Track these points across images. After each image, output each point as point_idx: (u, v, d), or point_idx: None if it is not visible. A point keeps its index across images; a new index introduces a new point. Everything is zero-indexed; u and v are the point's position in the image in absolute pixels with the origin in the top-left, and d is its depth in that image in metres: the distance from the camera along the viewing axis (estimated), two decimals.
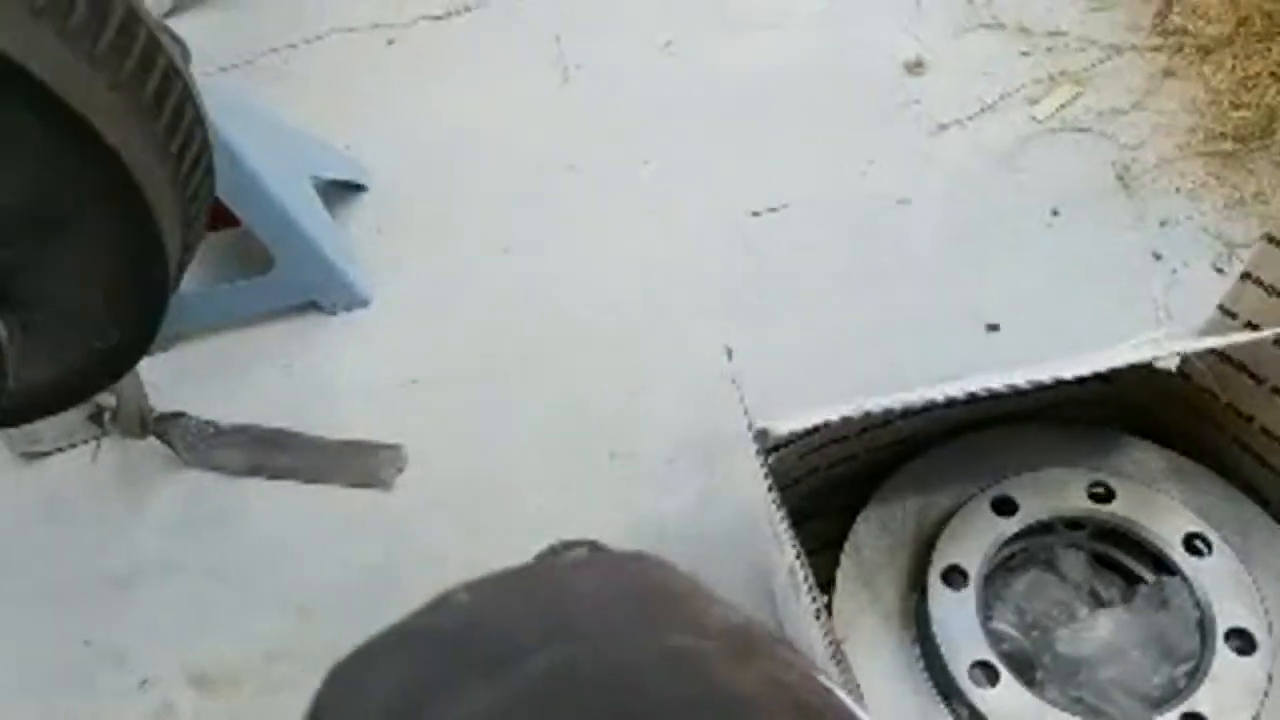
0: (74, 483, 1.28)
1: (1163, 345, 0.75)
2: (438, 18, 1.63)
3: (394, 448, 1.21)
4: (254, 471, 1.23)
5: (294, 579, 1.13)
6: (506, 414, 1.20)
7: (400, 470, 1.19)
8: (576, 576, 0.38)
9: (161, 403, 1.24)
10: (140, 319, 0.77)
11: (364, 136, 1.50)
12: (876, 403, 0.72)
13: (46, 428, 1.30)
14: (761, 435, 0.64)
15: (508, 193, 1.40)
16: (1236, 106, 1.15)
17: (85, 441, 1.31)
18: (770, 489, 0.63)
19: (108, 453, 1.29)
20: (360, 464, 1.21)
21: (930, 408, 0.77)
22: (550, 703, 0.30)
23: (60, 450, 1.30)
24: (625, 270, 1.28)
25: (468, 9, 1.63)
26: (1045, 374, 0.70)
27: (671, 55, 1.47)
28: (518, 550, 1.04)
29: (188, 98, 0.64)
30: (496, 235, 1.36)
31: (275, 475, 1.22)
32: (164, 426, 1.24)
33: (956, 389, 0.73)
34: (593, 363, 1.20)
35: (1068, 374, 0.71)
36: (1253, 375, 0.74)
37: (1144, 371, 0.81)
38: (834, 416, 0.70)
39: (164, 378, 1.27)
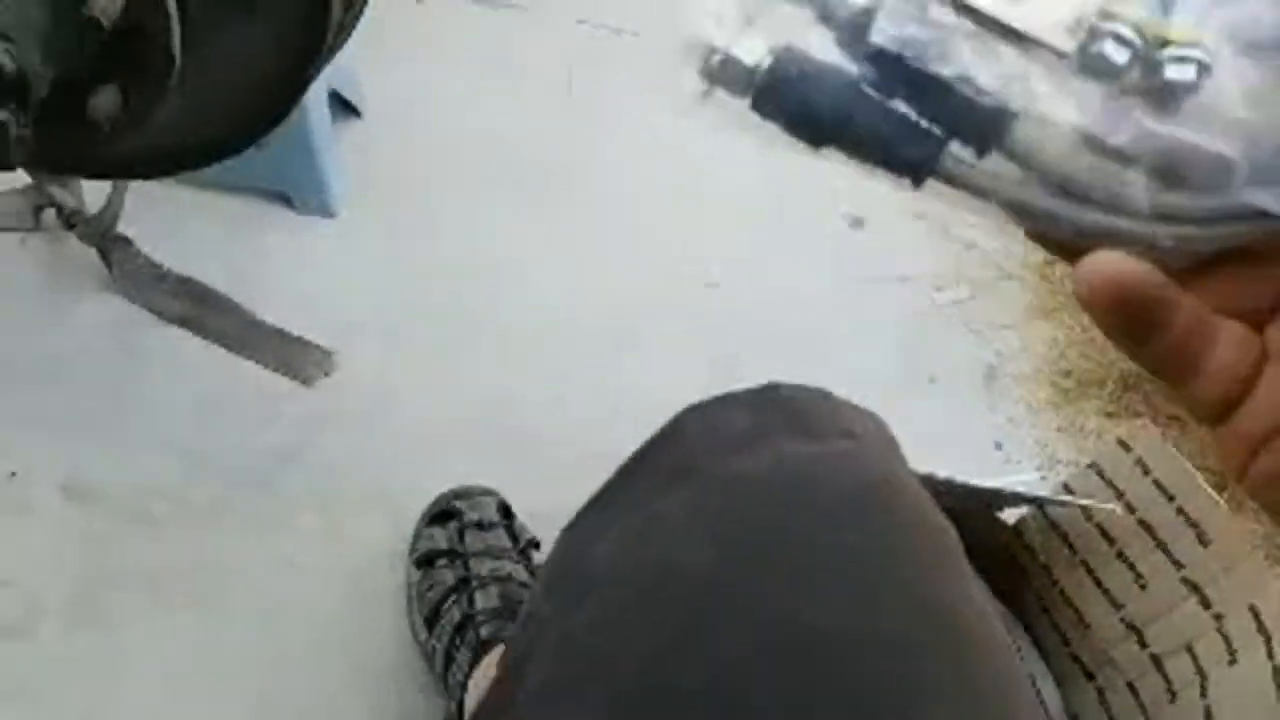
0: None
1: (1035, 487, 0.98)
2: None
3: (326, 351, 1.27)
4: (183, 323, 1.26)
5: (192, 431, 1.17)
6: (429, 366, 1.29)
7: (326, 374, 1.26)
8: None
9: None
10: (253, 127, 0.82)
11: (368, 71, 1.57)
12: None
13: None
14: None
15: (491, 171, 1.52)
16: (1084, 357, 1.45)
17: (14, 230, 1.29)
18: None
19: (34, 249, 1.28)
20: (289, 353, 1.26)
21: None
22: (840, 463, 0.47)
23: None
24: (572, 282, 1.42)
25: (497, 5, 1.77)
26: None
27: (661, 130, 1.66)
28: (416, 480, 1.14)
29: None
30: (469, 206, 1.47)
31: (202, 333, 1.25)
32: (111, 246, 1.26)
33: None
34: (519, 355, 1.32)
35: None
36: (1070, 545, 0.98)
37: (988, 518, 1.04)
38: None
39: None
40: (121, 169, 0.84)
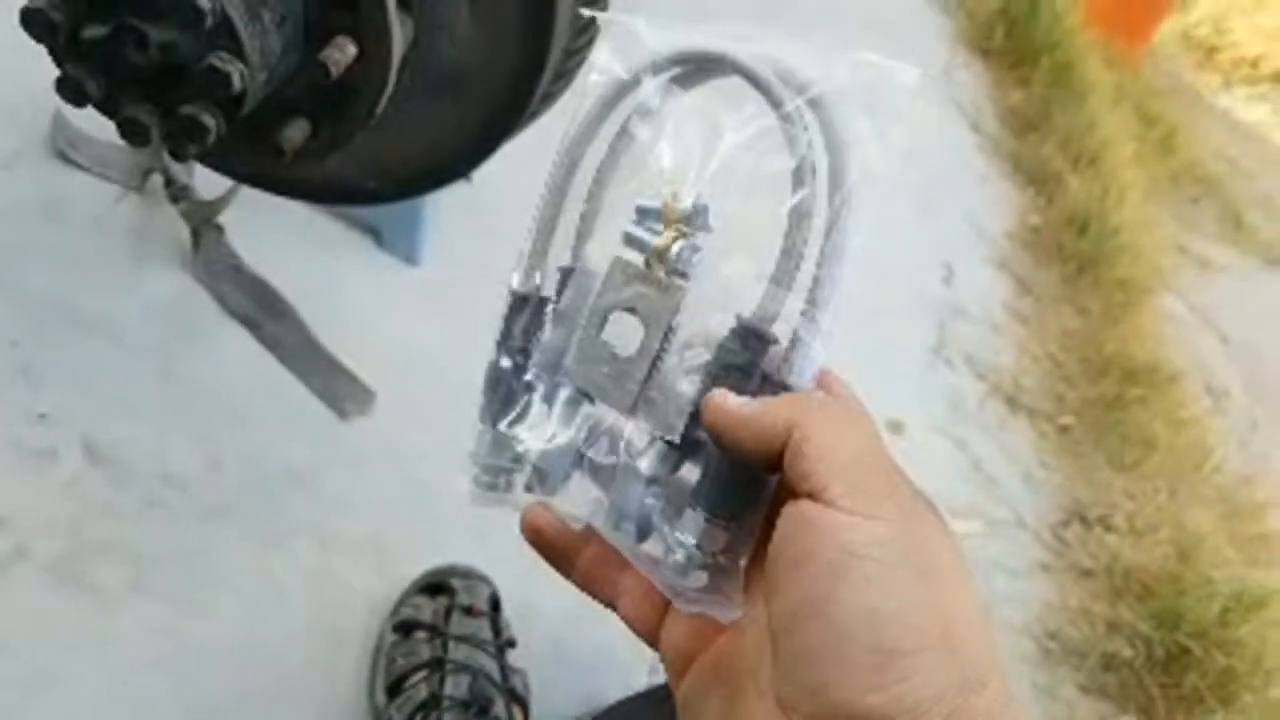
0: (86, 209, 1.29)
1: None
2: None
3: (369, 391, 1.29)
4: (245, 321, 1.28)
5: (219, 427, 1.18)
6: (462, 440, 1.31)
7: (362, 414, 1.27)
8: None
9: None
10: (412, 189, 0.85)
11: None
12: None
13: (92, 145, 1.33)
14: None
15: None
16: (1073, 625, 1.47)
17: (116, 183, 1.33)
18: None
19: (128, 209, 1.32)
20: (334, 383, 1.28)
21: None
22: None
23: (89, 172, 1.32)
24: None
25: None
26: None
27: None
28: (416, 541, 1.15)
29: None
30: None
31: (259, 337, 1.27)
32: (204, 229, 1.29)
33: None
34: None
35: None
36: None
37: None
38: None
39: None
40: (273, 185, 0.88)
